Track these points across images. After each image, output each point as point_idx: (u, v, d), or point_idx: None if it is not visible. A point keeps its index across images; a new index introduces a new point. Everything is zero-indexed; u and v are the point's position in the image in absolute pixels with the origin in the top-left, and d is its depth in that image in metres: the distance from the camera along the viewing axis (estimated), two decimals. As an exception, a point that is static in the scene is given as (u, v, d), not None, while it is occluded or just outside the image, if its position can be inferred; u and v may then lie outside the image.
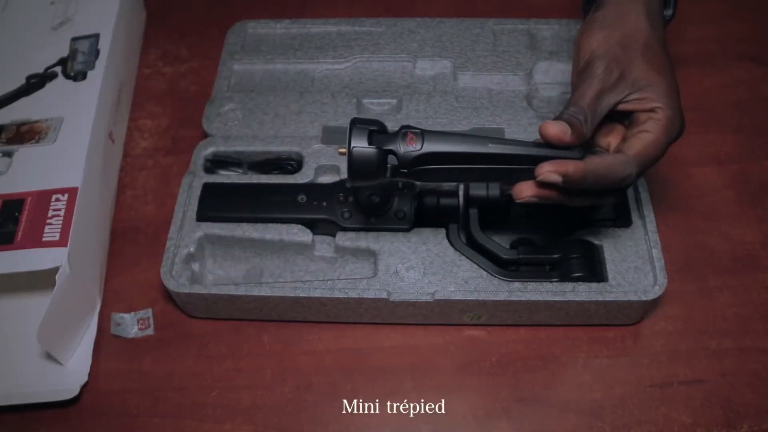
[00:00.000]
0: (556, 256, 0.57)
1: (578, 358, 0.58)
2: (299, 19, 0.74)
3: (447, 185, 0.60)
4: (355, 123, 0.48)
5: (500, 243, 0.58)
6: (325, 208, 0.60)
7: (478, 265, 0.57)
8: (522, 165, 0.48)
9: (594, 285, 0.56)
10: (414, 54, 0.70)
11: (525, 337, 0.59)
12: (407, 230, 0.59)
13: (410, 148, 0.47)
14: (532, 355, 0.58)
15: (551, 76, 0.69)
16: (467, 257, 0.58)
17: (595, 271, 0.57)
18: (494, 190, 0.59)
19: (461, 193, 0.60)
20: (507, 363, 0.58)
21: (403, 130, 0.48)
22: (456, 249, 0.58)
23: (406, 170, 0.48)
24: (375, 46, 0.71)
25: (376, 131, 0.48)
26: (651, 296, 0.55)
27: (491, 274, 0.57)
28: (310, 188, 0.61)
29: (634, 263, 0.57)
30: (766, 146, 0.68)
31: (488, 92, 0.68)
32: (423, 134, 0.47)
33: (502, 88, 0.69)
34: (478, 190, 0.59)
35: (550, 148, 0.48)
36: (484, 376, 0.57)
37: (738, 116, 0.70)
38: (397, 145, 0.47)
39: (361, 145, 0.47)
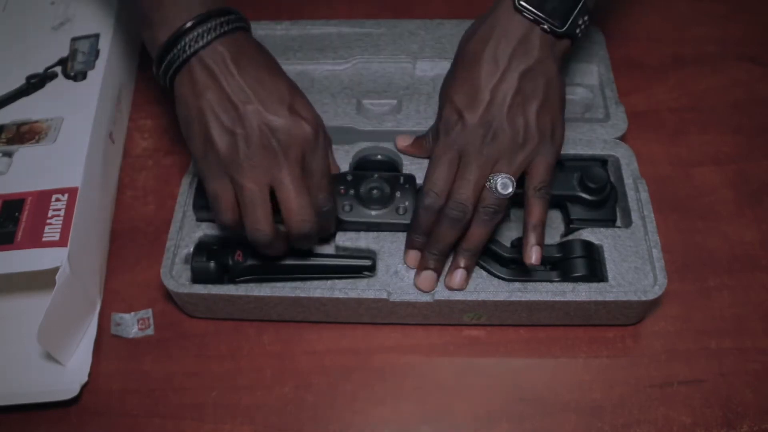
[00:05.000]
0: (557, 255, 0.57)
1: (578, 358, 0.58)
2: (299, 21, 0.74)
3: None
4: (200, 244, 0.59)
5: (501, 242, 0.58)
6: None
7: (479, 264, 0.57)
8: (323, 273, 0.58)
9: (594, 285, 0.56)
10: (414, 55, 0.71)
11: (525, 337, 0.59)
12: (408, 224, 0.58)
13: (238, 261, 0.57)
14: (532, 355, 0.58)
15: None
16: None
17: (596, 272, 0.57)
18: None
19: None
20: (507, 363, 0.58)
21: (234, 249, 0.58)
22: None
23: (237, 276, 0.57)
24: (375, 48, 0.71)
25: (215, 249, 0.58)
26: (651, 296, 0.55)
27: (492, 274, 0.57)
28: None
29: (634, 263, 0.57)
30: (764, 146, 0.68)
31: None
32: (247, 252, 0.57)
33: None
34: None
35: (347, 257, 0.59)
36: (484, 376, 0.57)
37: (737, 117, 0.70)
38: (228, 258, 0.57)
39: (200, 259, 0.57)
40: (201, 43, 0.51)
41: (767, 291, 0.60)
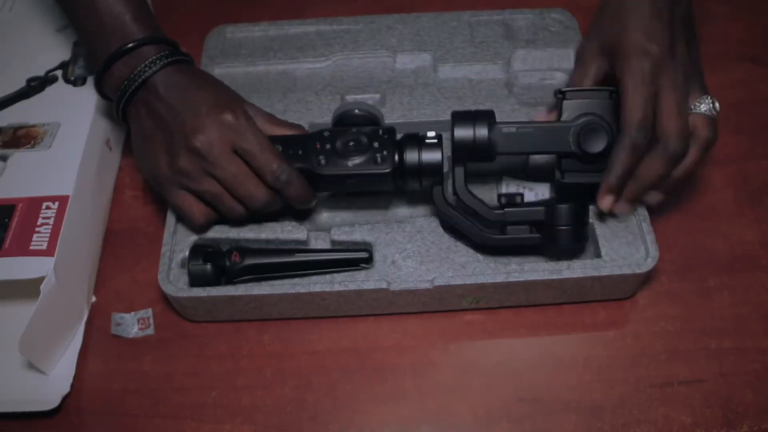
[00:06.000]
0: (542, 210, 0.56)
1: (578, 358, 0.58)
2: (276, 21, 0.74)
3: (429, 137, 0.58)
4: (196, 247, 0.58)
5: (486, 203, 0.58)
6: (301, 157, 0.57)
7: (465, 225, 0.57)
8: (320, 268, 0.58)
9: (588, 261, 0.57)
10: (393, 49, 0.71)
11: (526, 336, 0.59)
12: (390, 174, 0.56)
13: (235, 262, 0.58)
14: (532, 356, 0.58)
15: (529, 63, 0.71)
16: (454, 219, 0.57)
17: (581, 227, 0.56)
18: (481, 129, 0.56)
19: (445, 145, 0.57)
20: (507, 363, 0.58)
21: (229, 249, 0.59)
22: (440, 211, 0.58)
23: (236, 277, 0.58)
24: (354, 44, 0.72)
25: (210, 251, 0.58)
26: (644, 269, 0.56)
27: (480, 230, 0.57)
28: (287, 139, 0.58)
29: (626, 238, 0.58)
30: (765, 146, 0.68)
31: (469, 82, 0.69)
32: (243, 252, 0.58)
33: (483, 78, 0.70)
34: (465, 130, 0.56)
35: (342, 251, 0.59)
36: (484, 376, 0.57)
37: (737, 117, 0.70)
38: (225, 260, 0.58)
39: (197, 262, 0.57)
40: (138, 82, 0.56)
41: (767, 291, 0.60)
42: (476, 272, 0.57)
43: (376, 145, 0.57)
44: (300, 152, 0.57)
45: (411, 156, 0.57)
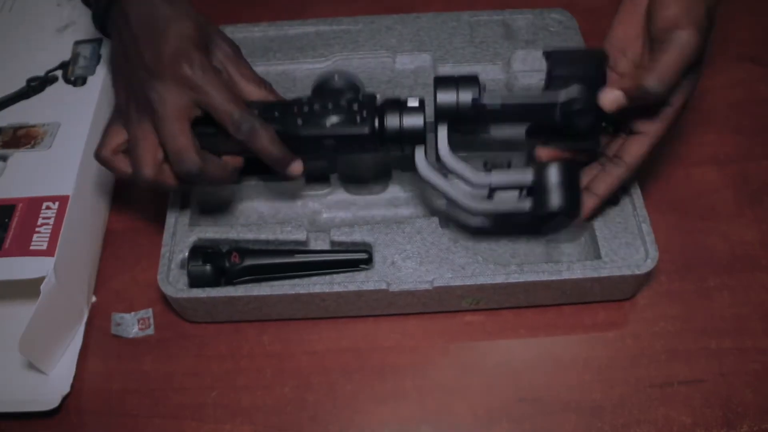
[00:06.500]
0: (530, 177, 0.54)
1: (578, 358, 0.58)
2: (276, 22, 0.74)
3: (411, 102, 0.56)
4: (195, 248, 0.59)
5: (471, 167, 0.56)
6: (278, 119, 0.55)
7: (450, 192, 0.55)
8: (319, 269, 0.58)
9: (588, 262, 0.57)
10: (393, 50, 0.71)
11: (525, 337, 0.59)
12: (369, 136, 0.55)
13: (235, 263, 0.58)
14: (532, 356, 0.58)
15: (529, 63, 0.70)
16: (437, 184, 0.56)
17: (573, 205, 0.54)
18: (465, 95, 0.54)
19: (427, 110, 0.55)
20: (507, 363, 0.58)
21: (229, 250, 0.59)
22: (423, 176, 0.56)
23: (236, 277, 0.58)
24: (354, 44, 0.72)
25: (210, 252, 0.58)
26: (644, 270, 0.56)
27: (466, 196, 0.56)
28: (265, 104, 0.56)
29: (625, 239, 0.58)
30: (765, 146, 0.68)
31: None
32: (243, 253, 0.58)
33: (483, 78, 0.69)
34: (448, 96, 0.54)
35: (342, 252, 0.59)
36: (484, 376, 0.57)
37: (737, 117, 0.70)
38: (224, 261, 0.58)
39: (197, 263, 0.57)
40: None
41: (767, 291, 0.60)
42: (476, 273, 0.57)
43: (355, 107, 0.55)
44: (276, 114, 0.55)
45: (392, 121, 0.55)
